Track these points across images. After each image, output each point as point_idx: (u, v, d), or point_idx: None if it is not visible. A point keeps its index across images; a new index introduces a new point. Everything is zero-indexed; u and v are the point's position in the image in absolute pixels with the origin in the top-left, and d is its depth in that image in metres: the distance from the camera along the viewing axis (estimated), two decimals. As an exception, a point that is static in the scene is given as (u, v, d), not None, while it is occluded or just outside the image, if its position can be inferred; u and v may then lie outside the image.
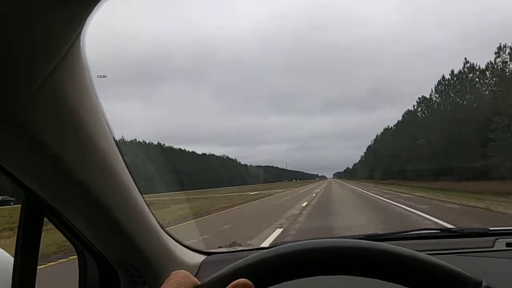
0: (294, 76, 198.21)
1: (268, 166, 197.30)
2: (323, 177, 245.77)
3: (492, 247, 1.22)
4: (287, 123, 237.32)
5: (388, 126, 76.82)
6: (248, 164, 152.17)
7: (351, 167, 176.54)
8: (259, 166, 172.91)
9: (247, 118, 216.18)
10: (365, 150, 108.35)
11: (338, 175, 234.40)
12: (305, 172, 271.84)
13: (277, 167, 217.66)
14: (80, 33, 0.51)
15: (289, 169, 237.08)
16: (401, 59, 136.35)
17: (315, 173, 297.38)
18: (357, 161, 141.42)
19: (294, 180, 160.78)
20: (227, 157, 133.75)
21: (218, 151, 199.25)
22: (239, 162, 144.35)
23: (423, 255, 0.52)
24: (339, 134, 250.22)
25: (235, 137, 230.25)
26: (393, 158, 57.91)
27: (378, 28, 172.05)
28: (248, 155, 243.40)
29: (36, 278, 0.75)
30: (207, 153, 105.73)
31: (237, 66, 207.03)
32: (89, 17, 0.48)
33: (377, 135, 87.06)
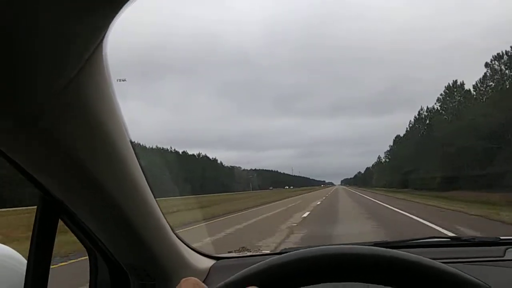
0: (303, 77, 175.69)
1: (265, 170, 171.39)
2: (330, 184, 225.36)
3: (503, 256, 1.21)
4: (294, 128, 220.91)
5: (449, 85, 42.76)
6: (236, 166, 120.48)
7: (362, 171, 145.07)
8: (254, 169, 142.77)
9: (252, 121, 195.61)
10: (390, 144, 74.50)
11: (346, 182, 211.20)
12: (311, 178, 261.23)
13: (276, 171, 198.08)
14: (102, 39, 0.53)
15: (294, 174, 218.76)
16: (419, 58, 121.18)
17: (322, 180, 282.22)
18: (370, 165, 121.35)
19: (286, 187, 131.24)
20: (205, 156, 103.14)
21: (222, 155, 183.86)
22: (221, 163, 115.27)
23: (432, 261, 0.52)
24: (349, 139, 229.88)
25: (239, 141, 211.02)
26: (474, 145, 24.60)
27: (395, 24, 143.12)
28: (254, 160, 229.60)
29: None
30: (169, 148, 73.41)
31: (242, 66, 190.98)
32: (111, 24, 0.50)
33: (416, 116, 52.22)
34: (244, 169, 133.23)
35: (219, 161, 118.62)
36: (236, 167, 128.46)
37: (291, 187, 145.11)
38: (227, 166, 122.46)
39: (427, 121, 47.41)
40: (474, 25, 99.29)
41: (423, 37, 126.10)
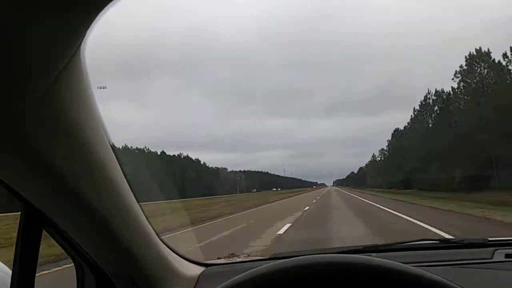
0: (296, 76, 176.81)
1: (255, 172, 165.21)
2: (323, 185, 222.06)
3: (491, 258, 1.22)
4: (287, 128, 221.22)
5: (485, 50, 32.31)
6: (222, 168, 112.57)
7: (355, 171, 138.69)
8: (243, 171, 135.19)
9: (245, 122, 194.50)
10: (388, 139, 65.17)
11: (339, 183, 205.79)
12: (303, 179, 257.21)
13: (267, 172, 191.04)
14: (80, 44, 0.53)
15: (287, 176, 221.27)
16: (415, 56, 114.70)
17: (314, 181, 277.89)
18: (364, 165, 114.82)
19: (274, 189, 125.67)
20: (187, 157, 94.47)
21: (214, 157, 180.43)
22: (205, 164, 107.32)
23: (407, 267, 0.54)
24: (342, 139, 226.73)
25: (231, 143, 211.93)
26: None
27: (392, 18, 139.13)
28: (246, 161, 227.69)
29: None
30: (145, 148, 65.68)
31: (235, 64, 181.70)
32: (89, 29, 0.50)
33: (422, 102, 41.75)
34: (231, 171, 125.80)
35: (202, 162, 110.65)
36: (222, 168, 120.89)
37: (279, 188, 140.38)
38: (212, 168, 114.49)
39: (436, 107, 38.74)
40: (471, 20, 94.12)
41: (420, 33, 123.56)
